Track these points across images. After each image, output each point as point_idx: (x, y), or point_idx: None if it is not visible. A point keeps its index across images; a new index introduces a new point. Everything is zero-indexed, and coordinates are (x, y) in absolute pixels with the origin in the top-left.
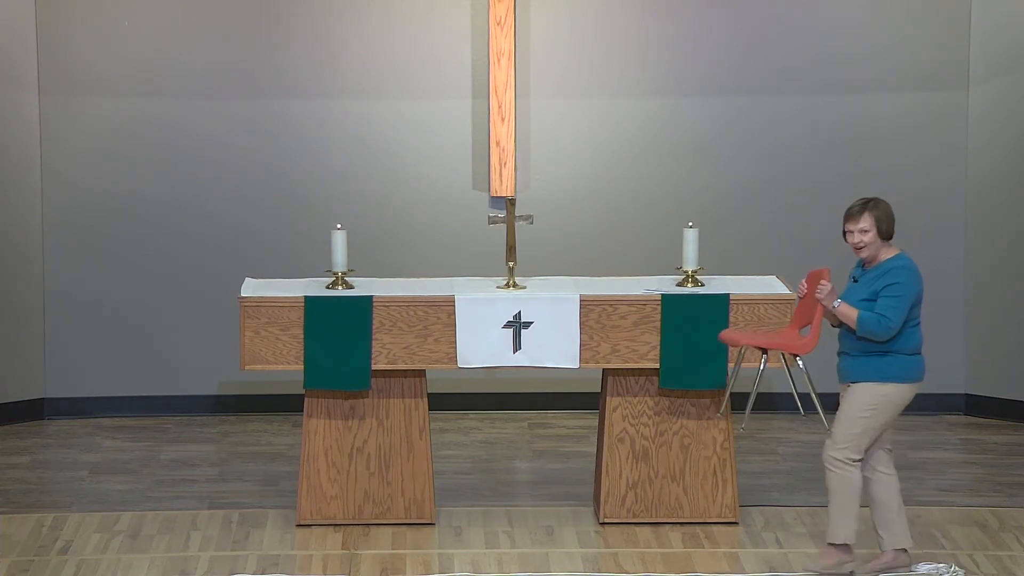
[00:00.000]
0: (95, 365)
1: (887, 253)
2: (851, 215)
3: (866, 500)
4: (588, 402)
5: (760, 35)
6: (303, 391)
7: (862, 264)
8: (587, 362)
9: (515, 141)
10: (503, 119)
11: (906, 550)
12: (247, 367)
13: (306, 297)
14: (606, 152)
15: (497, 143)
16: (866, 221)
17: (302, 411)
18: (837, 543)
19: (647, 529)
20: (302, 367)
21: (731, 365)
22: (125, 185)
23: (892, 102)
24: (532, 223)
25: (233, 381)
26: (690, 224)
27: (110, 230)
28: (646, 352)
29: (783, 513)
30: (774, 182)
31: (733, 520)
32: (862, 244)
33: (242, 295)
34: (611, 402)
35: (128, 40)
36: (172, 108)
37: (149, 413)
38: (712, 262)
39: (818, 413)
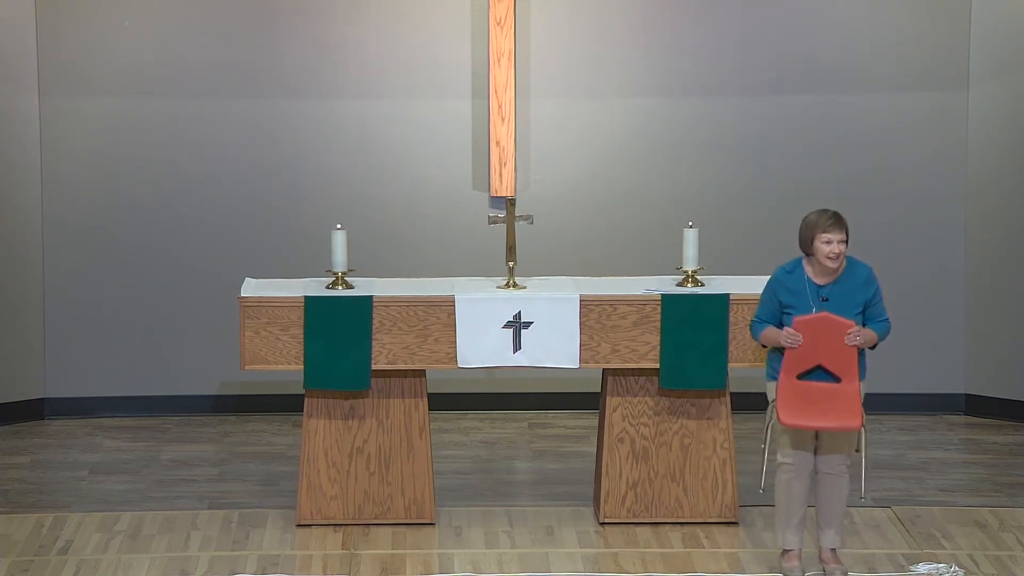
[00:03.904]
0: (95, 365)
1: (844, 262)
2: (831, 226)
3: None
4: (588, 402)
5: (760, 35)
6: (303, 391)
7: (808, 282)
8: (587, 362)
9: (515, 141)
10: (503, 119)
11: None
12: (247, 367)
13: (306, 297)
14: (606, 152)
15: (497, 143)
16: (845, 232)
17: (302, 411)
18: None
19: (647, 529)
20: (302, 367)
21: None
22: (125, 185)
23: (892, 102)
24: (532, 223)
25: (233, 381)
26: (690, 224)
27: (110, 230)
28: (646, 352)
29: None
30: (774, 182)
31: (733, 520)
32: (839, 254)
33: (242, 295)
34: (611, 402)
35: (128, 40)
36: (172, 108)
37: (149, 413)
38: (712, 262)
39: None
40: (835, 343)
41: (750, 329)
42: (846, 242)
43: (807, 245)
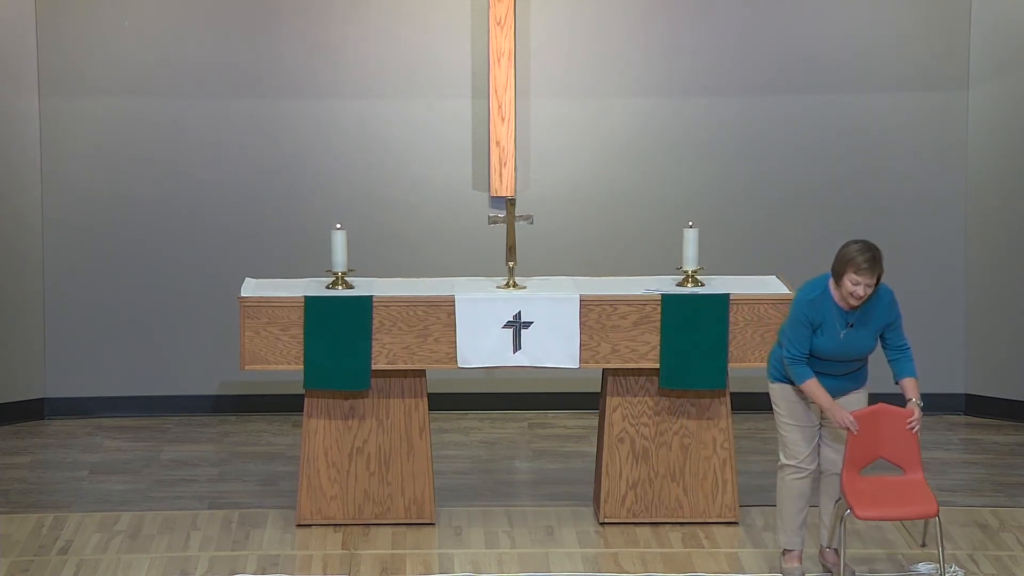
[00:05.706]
0: (95, 365)
1: None
2: (865, 270)
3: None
4: (588, 402)
5: (760, 35)
6: (303, 391)
7: (835, 307)
8: (587, 362)
9: (515, 141)
10: (503, 119)
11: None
12: (247, 367)
13: (306, 297)
14: (606, 152)
15: (497, 143)
16: (877, 277)
17: (302, 411)
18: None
19: (647, 529)
20: (302, 367)
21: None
22: (125, 185)
23: (892, 102)
24: (532, 223)
25: (233, 381)
26: (690, 224)
27: (110, 230)
28: (646, 352)
29: None
30: (774, 182)
31: (733, 520)
32: (863, 298)
33: (242, 295)
34: (611, 402)
35: (128, 40)
36: (172, 108)
37: (149, 413)
38: (712, 262)
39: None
40: (895, 432)
41: (788, 365)
42: (874, 285)
43: (838, 275)
